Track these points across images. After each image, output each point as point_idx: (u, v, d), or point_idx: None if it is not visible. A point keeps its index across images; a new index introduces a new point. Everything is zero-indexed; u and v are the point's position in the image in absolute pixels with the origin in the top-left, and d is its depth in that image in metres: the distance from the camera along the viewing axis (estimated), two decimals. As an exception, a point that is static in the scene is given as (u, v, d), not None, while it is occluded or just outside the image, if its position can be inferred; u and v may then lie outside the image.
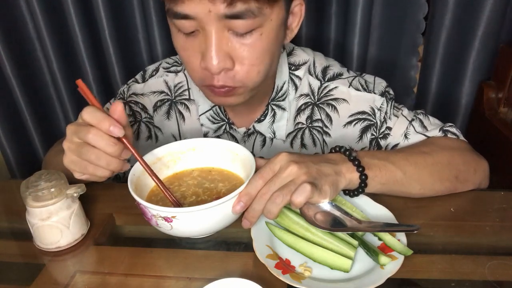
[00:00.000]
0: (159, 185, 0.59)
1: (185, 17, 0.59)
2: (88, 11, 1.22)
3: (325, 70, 0.81)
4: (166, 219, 0.54)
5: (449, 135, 0.75)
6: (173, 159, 0.68)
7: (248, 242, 0.59)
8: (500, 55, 1.01)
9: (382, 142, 0.79)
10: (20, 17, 1.26)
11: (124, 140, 0.56)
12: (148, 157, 0.64)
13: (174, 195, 0.60)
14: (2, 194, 0.78)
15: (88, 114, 0.54)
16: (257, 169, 0.59)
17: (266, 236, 0.59)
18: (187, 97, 0.84)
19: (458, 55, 1.06)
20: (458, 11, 1.01)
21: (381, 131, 0.78)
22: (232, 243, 0.61)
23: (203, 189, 0.64)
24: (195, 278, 0.55)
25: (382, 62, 1.18)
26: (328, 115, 0.80)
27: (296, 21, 0.69)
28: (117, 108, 0.55)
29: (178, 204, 0.60)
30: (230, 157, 0.67)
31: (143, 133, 0.86)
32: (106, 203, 0.71)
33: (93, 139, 0.54)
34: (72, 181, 0.61)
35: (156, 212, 0.54)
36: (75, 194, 0.60)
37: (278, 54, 0.69)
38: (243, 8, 0.57)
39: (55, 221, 0.59)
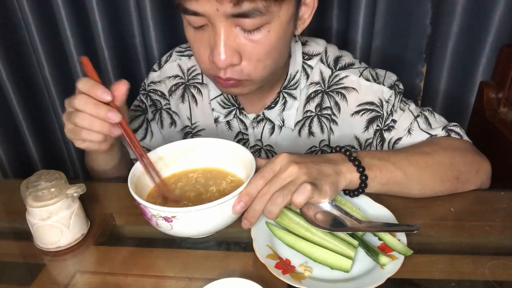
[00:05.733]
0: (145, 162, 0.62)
1: (195, 13, 0.60)
2: (82, 16, 1.19)
3: (337, 59, 0.81)
4: (166, 219, 0.54)
5: (452, 134, 0.75)
6: (173, 159, 0.68)
7: (248, 242, 0.59)
8: (500, 55, 1.01)
9: (386, 135, 0.79)
10: (14, 20, 1.24)
11: (123, 123, 0.60)
12: (149, 157, 0.64)
13: (173, 193, 0.61)
14: (2, 194, 0.78)
15: (82, 83, 0.59)
16: (257, 169, 0.59)
17: (266, 236, 0.59)
18: (200, 81, 0.86)
19: (462, 57, 1.05)
20: (465, 16, 1.00)
21: (386, 123, 0.78)
22: (232, 243, 0.61)
23: (203, 189, 0.64)
24: (195, 278, 0.55)
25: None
26: (337, 103, 0.80)
27: (308, 12, 0.69)
28: (120, 87, 0.60)
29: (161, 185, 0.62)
30: (230, 157, 0.67)
31: (165, 120, 0.90)
32: (106, 203, 0.71)
33: (79, 104, 0.59)
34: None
35: (156, 212, 0.54)
36: (75, 194, 0.60)
37: (287, 47, 0.70)
38: (250, 7, 0.57)
39: (55, 221, 0.59)
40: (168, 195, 0.62)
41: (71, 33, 1.21)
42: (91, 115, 0.59)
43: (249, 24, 0.60)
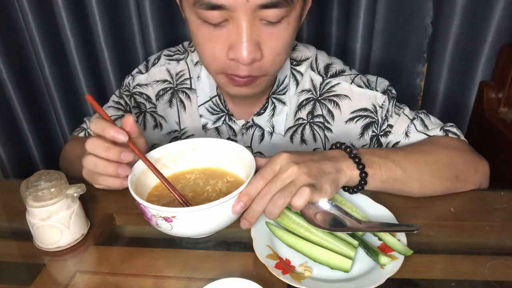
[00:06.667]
0: (168, 187, 0.60)
1: (216, 7, 0.58)
2: (82, 15, 1.19)
3: (327, 67, 0.81)
4: (166, 219, 0.54)
5: (450, 134, 0.75)
6: (173, 159, 0.68)
7: (248, 242, 0.59)
8: (500, 55, 1.01)
9: (383, 140, 0.79)
10: (15, 20, 1.24)
11: (131, 146, 0.59)
12: (148, 157, 0.64)
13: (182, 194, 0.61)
14: (2, 194, 0.78)
15: (95, 124, 0.59)
16: (257, 169, 0.59)
17: (266, 236, 0.59)
18: (189, 86, 0.84)
19: (462, 57, 1.05)
20: (465, 16, 0.99)
21: (382, 128, 0.78)
22: (232, 243, 0.61)
23: (203, 189, 0.64)
24: (195, 278, 0.55)
25: (386, 69, 1.15)
26: (330, 111, 0.80)
27: (306, 9, 0.69)
28: (129, 121, 0.59)
29: (186, 204, 0.60)
30: (230, 157, 0.67)
31: (149, 122, 0.88)
32: (106, 203, 0.71)
33: (90, 148, 0.59)
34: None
35: (156, 212, 0.54)
36: (75, 194, 0.60)
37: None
38: None
39: (55, 221, 0.59)
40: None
41: (71, 33, 1.20)
42: (103, 159, 0.59)
43: (274, 16, 0.59)
